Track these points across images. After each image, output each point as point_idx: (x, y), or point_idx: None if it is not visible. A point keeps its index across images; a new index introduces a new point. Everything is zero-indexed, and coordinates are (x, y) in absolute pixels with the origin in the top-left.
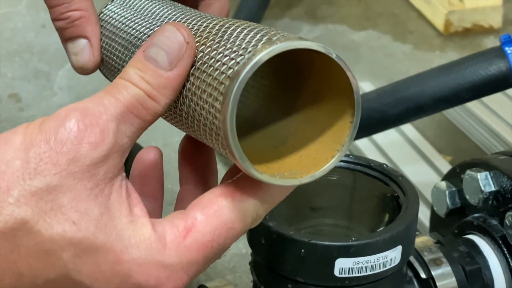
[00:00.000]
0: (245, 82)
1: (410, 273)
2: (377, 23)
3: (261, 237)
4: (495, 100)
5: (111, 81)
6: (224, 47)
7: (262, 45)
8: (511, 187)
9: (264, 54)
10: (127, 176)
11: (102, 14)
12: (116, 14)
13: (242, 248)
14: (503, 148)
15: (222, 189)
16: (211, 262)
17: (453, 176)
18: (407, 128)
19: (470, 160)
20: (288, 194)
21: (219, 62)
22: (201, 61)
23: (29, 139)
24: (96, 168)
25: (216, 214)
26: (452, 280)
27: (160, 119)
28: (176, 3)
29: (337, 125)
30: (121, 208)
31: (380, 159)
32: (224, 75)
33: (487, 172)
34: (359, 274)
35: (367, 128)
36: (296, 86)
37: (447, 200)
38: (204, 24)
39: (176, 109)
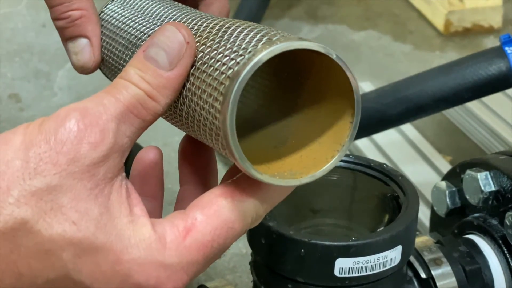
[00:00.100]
0: (245, 82)
1: (410, 273)
2: (377, 23)
3: (261, 237)
4: (495, 100)
5: (111, 80)
6: (224, 47)
7: (262, 45)
8: (511, 187)
9: (264, 54)
10: (127, 176)
11: (102, 14)
12: (116, 14)
13: (242, 248)
14: (503, 148)
15: (222, 189)
16: (211, 262)
17: (453, 176)
18: (407, 128)
19: (470, 160)
20: (288, 194)
21: (219, 62)
22: (201, 61)
23: (29, 139)
24: (96, 168)
25: (216, 214)
26: (452, 280)
27: (160, 119)
28: (176, 2)
29: (337, 125)
30: (121, 208)
31: (380, 159)
32: (224, 75)
33: (487, 172)
34: (359, 274)
35: (367, 128)
36: (296, 86)
37: (447, 200)
38: (204, 24)
39: (176, 109)
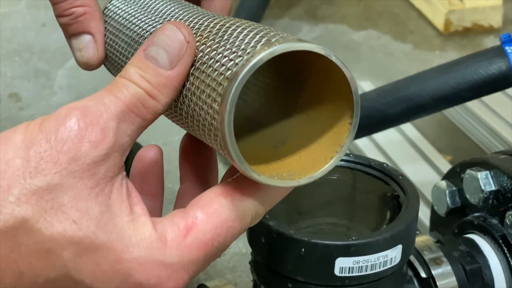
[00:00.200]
0: (243, 83)
1: (410, 273)
2: (377, 23)
3: (261, 236)
4: (495, 99)
5: (115, 76)
6: (223, 47)
7: (261, 47)
8: (511, 186)
9: (262, 55)
10: (127, 175)
11: (106, 10)
12: (120, 10)
13: (242, 247)
14: (503, 147)
15: (222, 188)
16: (211, 260)
17: (453, 176)
18: (407, 127)
19: (470, 159)
20: (288, 193)
21: (218, 63)
22: (201, 61)
23: (29, 138)
24: (97, 167)
25: (216, 213)
26: (452, 280)
27: (160, 118)
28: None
29: (337, 126)
30: (122, 207)
31: (380, 158)
32: (222, 76)
33: (487, 172)
34: (359, 274)
35: (367, 127)
36: (297, 86)
37: (447, 199)
38: (205, 23)
39: (176, 108)
